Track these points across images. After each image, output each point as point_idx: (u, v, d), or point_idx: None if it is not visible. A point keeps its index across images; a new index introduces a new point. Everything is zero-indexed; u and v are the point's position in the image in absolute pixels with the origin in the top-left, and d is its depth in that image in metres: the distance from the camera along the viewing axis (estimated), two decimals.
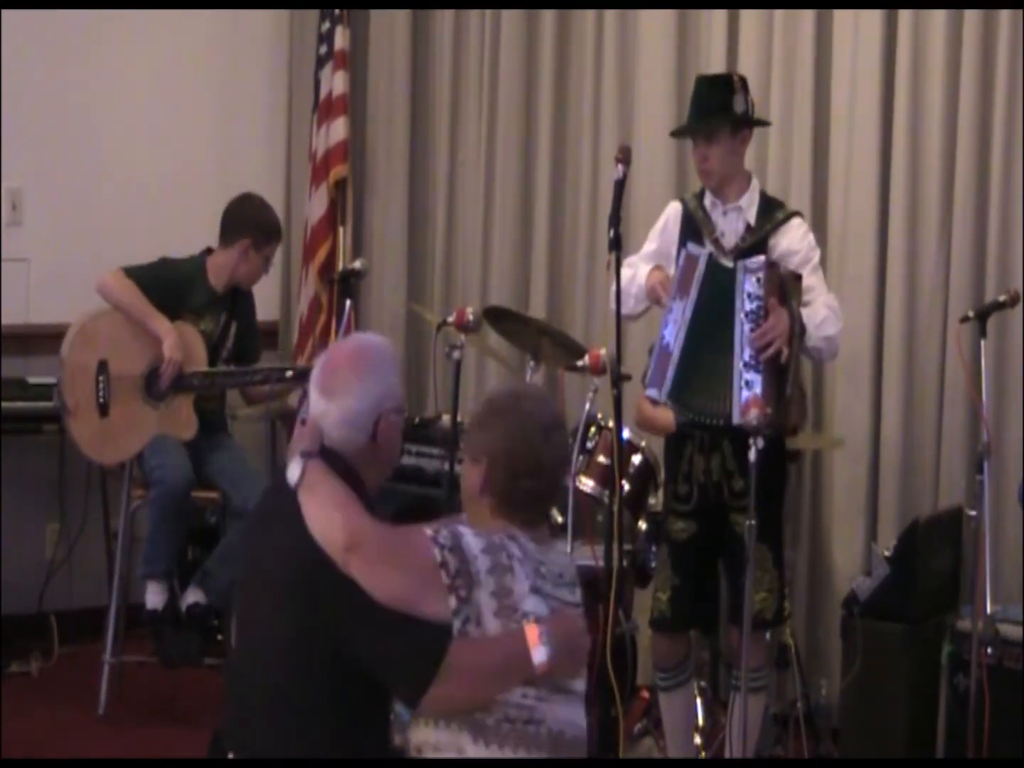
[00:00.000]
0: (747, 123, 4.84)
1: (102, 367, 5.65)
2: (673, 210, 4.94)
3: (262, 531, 3.16)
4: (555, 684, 2.93)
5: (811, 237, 4.85)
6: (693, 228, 4.82)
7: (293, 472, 3.01)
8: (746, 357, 4.54)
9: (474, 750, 2.88)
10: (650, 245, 4.96)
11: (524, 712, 2.89)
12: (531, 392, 3.14)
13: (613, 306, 4.44)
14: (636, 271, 4.85)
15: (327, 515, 2.92)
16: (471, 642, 2.87)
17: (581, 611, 3.02)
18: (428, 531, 2.91)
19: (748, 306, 4.54)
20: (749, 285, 4.53)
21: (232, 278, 5.84)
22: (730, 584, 4.90)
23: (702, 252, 4.62)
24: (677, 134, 5.20)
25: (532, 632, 2.85)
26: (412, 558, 2.89)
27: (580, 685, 3.01)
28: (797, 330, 4.58)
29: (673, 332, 4.63)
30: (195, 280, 5.80)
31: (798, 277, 4.67)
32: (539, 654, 2.84)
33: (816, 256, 4.82)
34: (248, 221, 5.83)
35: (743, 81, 4.84)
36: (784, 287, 4.58)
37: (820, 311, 4.70)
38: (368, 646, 2.93)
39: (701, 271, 4.58)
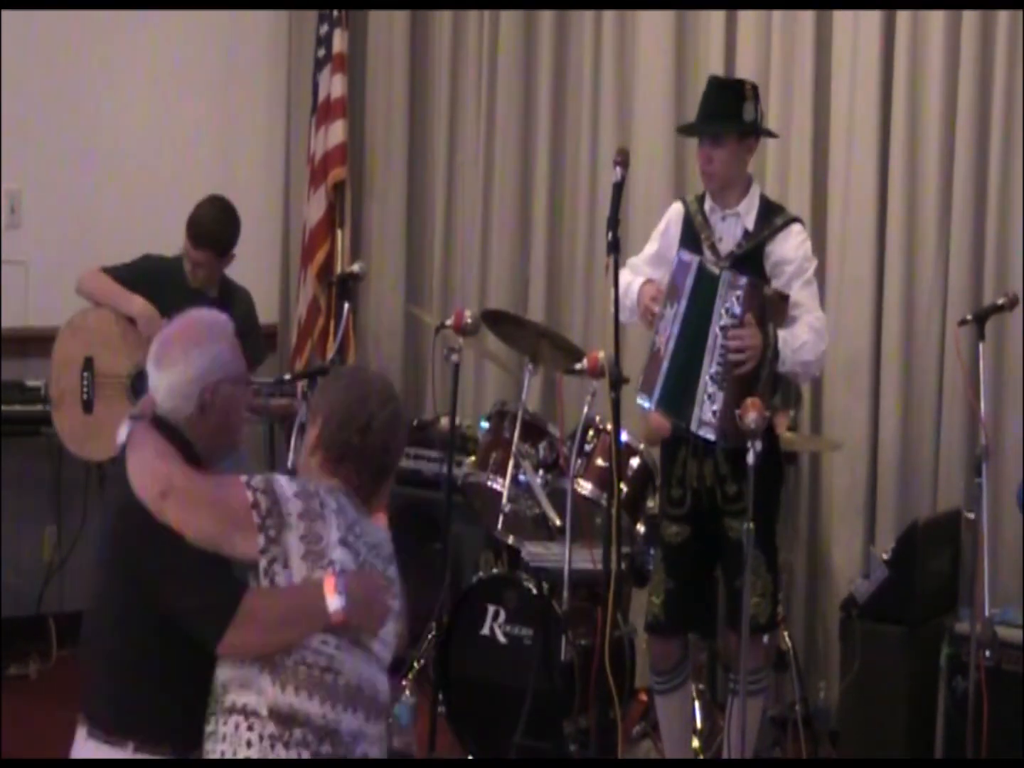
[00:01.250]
0: (755, 132, 4.84)
1: (88, 363, 5.63)
2: (675, 212, 4.93)
3: (103, 502, 3.37)
4: (356, 638, 3.02)
5: (808, 246, 4.81)
6: (692, 232, 4.81)
7: (121, 434, 3.18)
8: (712, 370, 4.54)
9: (273, 692, 2.96)
10: (651, 246, 4.95)
11: (322, 659, 2.98)
12: (373, 371, 3.26)
13: (611, 309, 4.45)
14: (632, 282, 4.84)
15: (145, 466, 3.07)
16: (267, 591, 2.98)
17: (395, 588, 3.11)
18: (242, 477, 3.03)
19: (724, 321, 4.52)
20: (729, 300, 4.52)
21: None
22: (726, 588, 4.90)
23: (694, 259, 4.62)
24: (684, 131, 5.15)
25: (329, 581, 2.94)
26: (224, 498, 3.02)
27: (382, 651, 3.08)
28: (770, 355, 4.57)
29: (663, 339, 4.64)
30: (179, 277, 5.71)
31: (784, 297, 4.63)
32: (334, 602, 2.93)
33: (811, 268, 4.78)
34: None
35: (755, 89, 4.83)
36: (764, 308, 4.55)
37: (801, 335, 4.65)
38: (169, 594, 3.06)
39: (692, 278, 4.58)
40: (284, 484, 3.02)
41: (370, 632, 3.02)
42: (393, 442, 3.14)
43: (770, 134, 5.09)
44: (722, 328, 4.52)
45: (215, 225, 5.60)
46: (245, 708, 2.97)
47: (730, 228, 4.79)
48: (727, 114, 4.75)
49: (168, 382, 3.20)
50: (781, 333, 4.60)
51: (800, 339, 4.65)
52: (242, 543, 2.98)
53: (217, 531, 3.00)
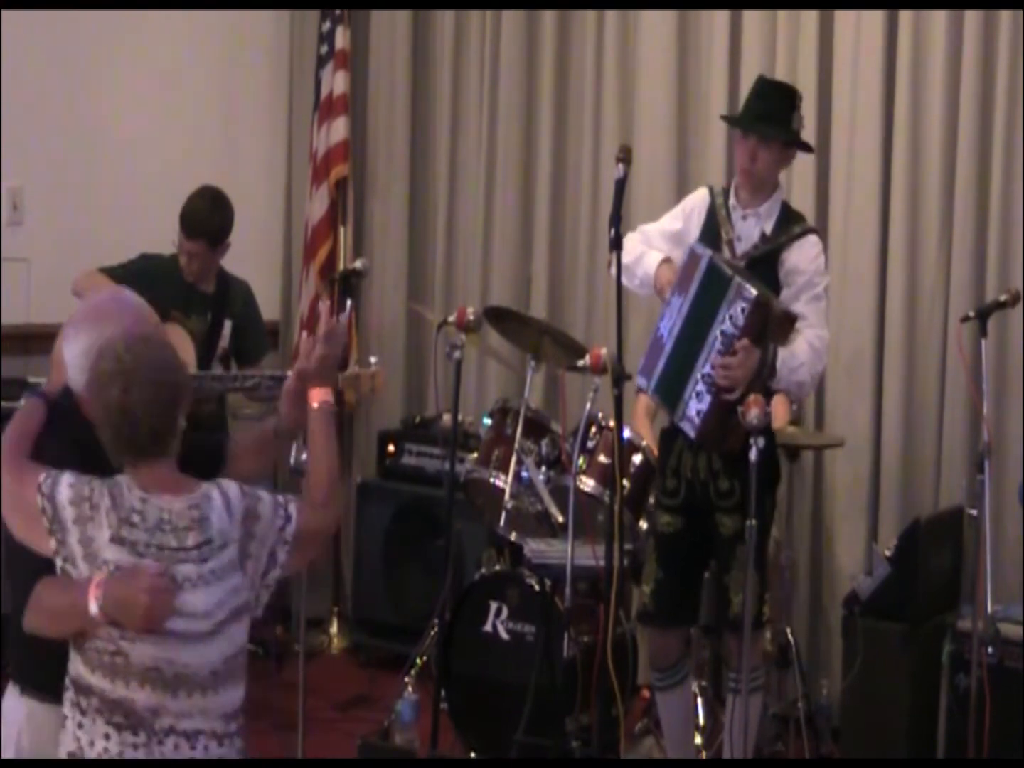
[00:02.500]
0: (799, 144, 4.84)
1: None
2: (700, 198, 4.89)
3: None
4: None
5: (822, 260, 4.79)
6: (714, 224, 4.80)
7: (21, 403, 3.41)
8: (706, 370, 4.51)
9: (87, 672, 3.12)
10: (675, 223, 4.89)
11: (111, 645, 3.09)
12: (108, 348, 3.24)
13: (614, 305, 4.45)
14: (645, 253, 4.81)
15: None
16: (55, 583, 3.13)
17: (199, 553, 3.14)
18: (40, 476, 3.15)
19: (727, 327, 4.48)
20: (734, 308, 4.47)
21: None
22: (715, 584, 4.88)
23: (705, 253, 4.60)
24: (734, 123, 5.00)
25: (92, 585, 3.05)
26: (24, 502, 3.15)
27: (188, 625, 3.12)
28: (765, 373, 4.55)
29: (668, 326, 4.64)
30: (175, 275, 5.71)
31: (792, 319, 4.59)
32: (92, 607, 3.05)
33: (822, 284, 4.76)
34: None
35: (801, 100, 4.84)
36: (766, 328, 4.51)
37: (799, 355, 4.62)
38: (15, 565, 3.29)
39: (701, 271, 4.57)
40: (63, 490, 3.12)
41: (141, 629, 3.07)
42: (139, 407, 3.12)
43: (809, 148, 5.04)
44: (722, 332, 4.50)
45: (207, 215, 5.59)
46: (68, 676, 3.15)
47: (749, 229, 4.78)
48: (780, 118, 4.74)
49: (67, 356, 3.36)
50: (781, 352, 4.59)
51: (798, 359, 4.63)
52: (42, 543, 3.13)
53: (22, 528, 3.18)
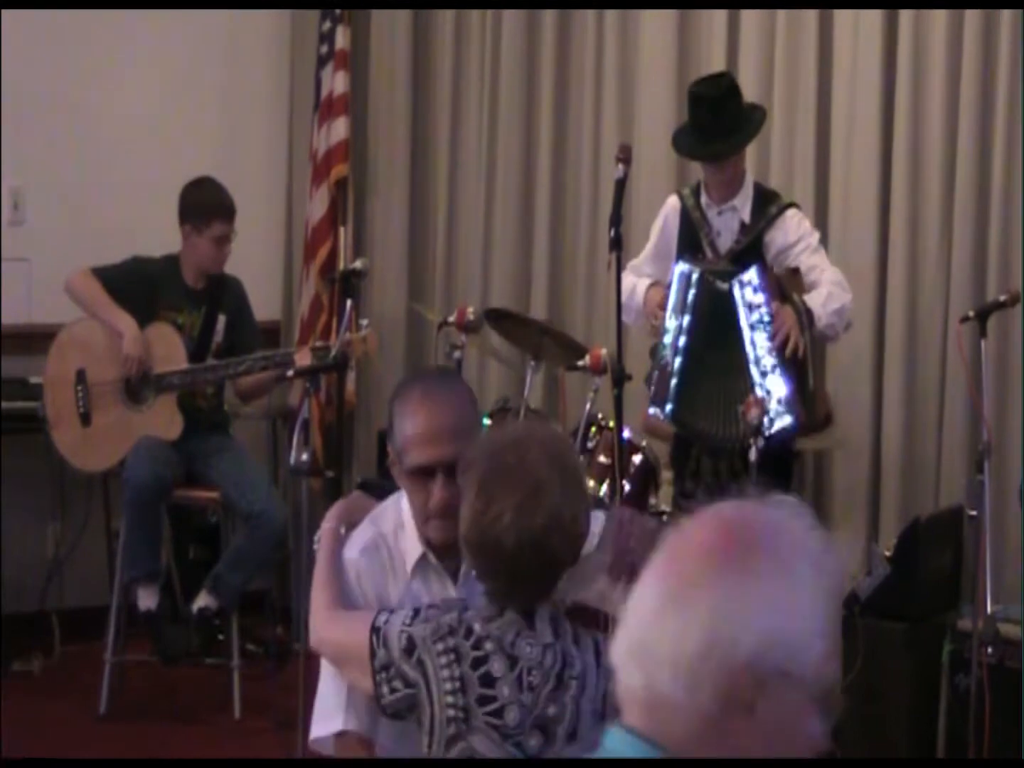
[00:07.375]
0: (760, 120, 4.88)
1: (80, 376, 5.68)
2: (671, 207, 4.92)
3: None
4: None
5: (807, 223, 4.86)
6: (690, 227, 4.81)
7: None
8: (762, 367, 4.52)
9: None
10: (652, 241, 4.95)
11: None
12: None
13: (614, 306, 4.45)
14: (636, 283, 4.84)
15: None
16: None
17: None
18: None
19: (751, 317, 4.51)
20: (746, 296, 4.51)
21: (195, 267, 5.81)
22: None
23: (695, 271, 4.59)
24: (703, 158, 4.89)
25: None
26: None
27: None
28: (805, 321, 4.58)
29: (671, 351, 4.64)
30: (167, 275, 5.75)
31: (795, 271, 4.65)
32: None
33: (815, 238, 4.83)
34: (184, 207, 5.82)
35: (735, 77, 4.87)
36: (781, 286, 4.58)
37: (823, 290, 4.72)
38: None
39: (695, 290, 4.56)
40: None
41: None
42: None
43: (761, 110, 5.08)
44: (752, 325, 4.48)
45: (224, 193, 5.82)
46: None
47: (727, 222, 4.79)
48: (738, 121, 4.74)
49: None
50: (807, 297, 4.64)
51: (824, 293, 4.72)
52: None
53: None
